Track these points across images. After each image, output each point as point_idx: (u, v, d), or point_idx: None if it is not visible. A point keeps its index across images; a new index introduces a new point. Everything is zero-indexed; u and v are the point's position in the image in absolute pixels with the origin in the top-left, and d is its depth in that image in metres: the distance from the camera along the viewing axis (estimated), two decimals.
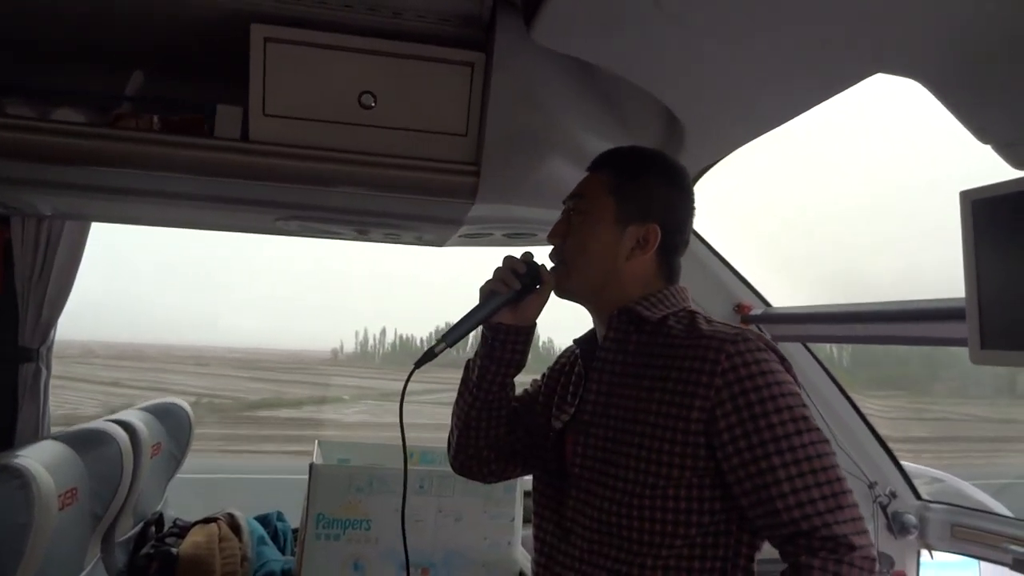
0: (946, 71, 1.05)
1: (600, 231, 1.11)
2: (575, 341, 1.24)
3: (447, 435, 1.28)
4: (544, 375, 1.30)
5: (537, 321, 1.20)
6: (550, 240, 1.17)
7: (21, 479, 1.27)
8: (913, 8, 0.95)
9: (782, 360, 1.02)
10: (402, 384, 1.11)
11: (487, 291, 1.16)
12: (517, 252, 1.18)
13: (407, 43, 1.31)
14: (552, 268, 1.16)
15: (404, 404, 1.12)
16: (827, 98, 1.21)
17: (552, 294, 1.16)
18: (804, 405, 0.98)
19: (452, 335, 1.11)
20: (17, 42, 1.41)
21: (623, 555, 1.01)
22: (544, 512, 1.15)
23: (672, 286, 1.14)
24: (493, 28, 1.28)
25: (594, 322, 1.19)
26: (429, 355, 1.10)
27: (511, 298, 1.14)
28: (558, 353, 1.31)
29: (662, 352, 1.05)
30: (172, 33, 1.34)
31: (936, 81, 1.07)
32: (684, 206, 1.16)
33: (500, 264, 1.16)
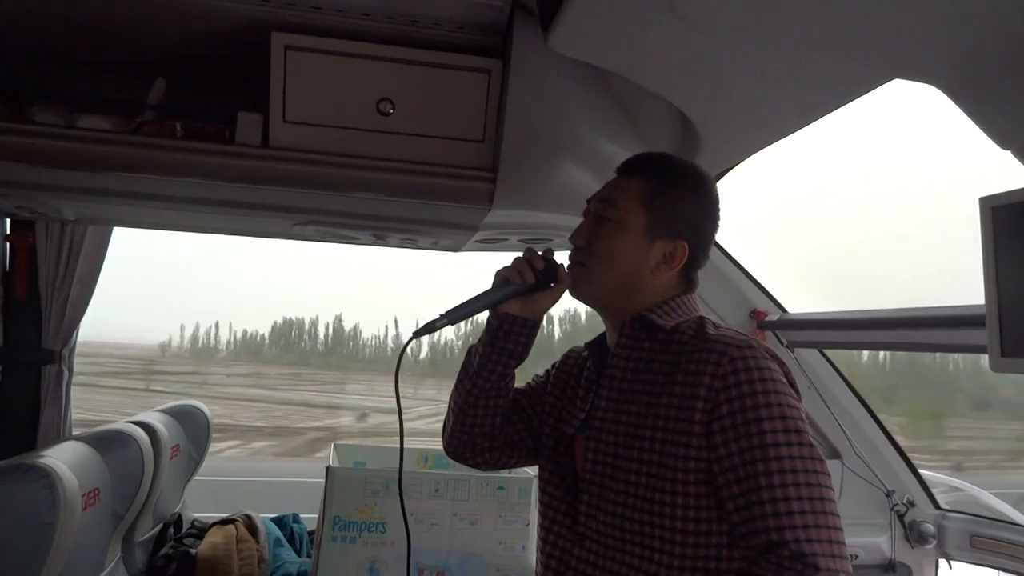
0: (964, 76, 1.05)
1: (629, 243, 1.11)
2: (585, 345, 1.24)
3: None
4: (549, 372, 1.30)
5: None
6: (573, 241, 1.16)
7: (47, 479, 1.29)
8: (930, 13, 0.95)
9: (786, 374, 1.02)
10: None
11: (501, 277, 1.16)
12: None
13: (425, 51, 1.32)
14: (570, 269, 1.16)
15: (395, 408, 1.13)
16: (843, 104, 1.20)
17: (566, 294, 1.17)
18: (802, 419, 0.97)
19: (456, 313, 1.12)
20: (44, 52, 1.44)
21: (639, 561, 1.01)
22: (555, 516, 1.14)
23: (687, 295, 1.15)
24: (510, 35, 1.29)
25: (606, 326, 1.19)
26: (429, 327, 1.11)
27: (522, 290, 1.15)
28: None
29: (672, 359, 1.05)
30: (194, 42, 1.36)
31: (954, 86, 1.07)
32: (712, 222, 1.16)
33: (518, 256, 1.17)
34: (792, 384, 1.02)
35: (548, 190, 1.44)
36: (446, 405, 1.30)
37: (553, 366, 1.31)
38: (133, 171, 1.32)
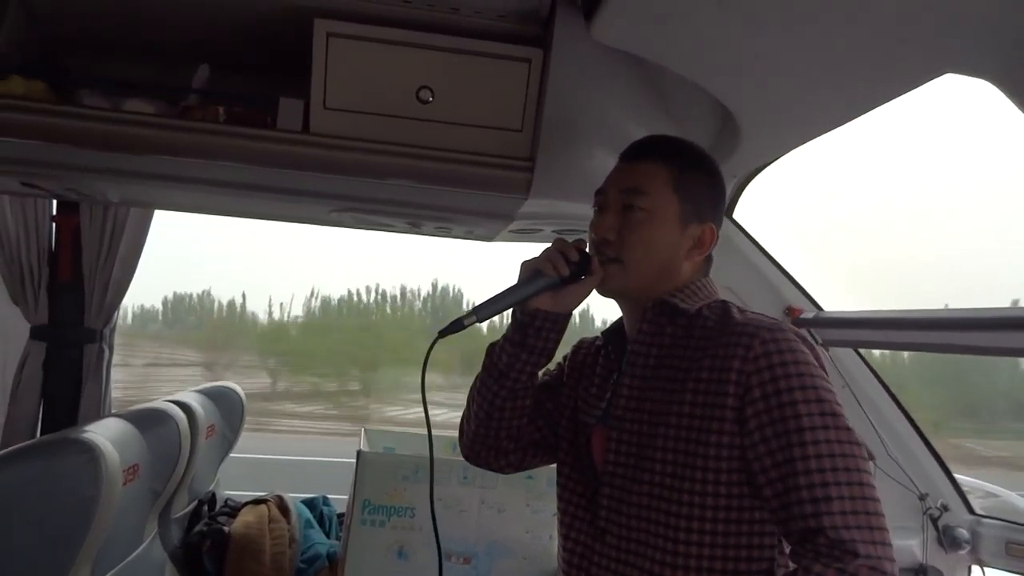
0: (1018, 70, 1.02)
1: (665, 232, 1.08)
2: (602, 333, 1.20)
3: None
4: (562, 365, 1.26)
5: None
6: (602, 234, 1.10)
7: (90, 453, 1.33)
8: (982, 4, 0.92)
9: (816, 358, 0.99)
10: None
11: (531, 270, 1.09)
12: None
13: (465, 39, 1.32)
14: (601, 262, 1.10)
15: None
16: (893, 98, 1.18)
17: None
18: (838, 403, 0.95)
19: (486, 310, 1.06)
20: (91, 39, 1.47)
21: (664, 556, 0.98)
22: (576, 511, 1.11)
23: (705, 278, 1.13)
24: (551, 24, 1.29)
25: (624, 313, 1.15)
26: (457, 326, 1.06)
27: (555, 283, 1.08)
28: None
29: (696, 344, 1.02)
30: (238, 28, 1.38)
31: (1007, 81, 1.04)
32: (724, 203, 1.16)
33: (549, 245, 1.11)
34: (822, 366, 0.99)
35: (585, 181, 1.43)
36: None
37: (565, 358, 1.27)
38: (176, 154, 1.34)
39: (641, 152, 1.12)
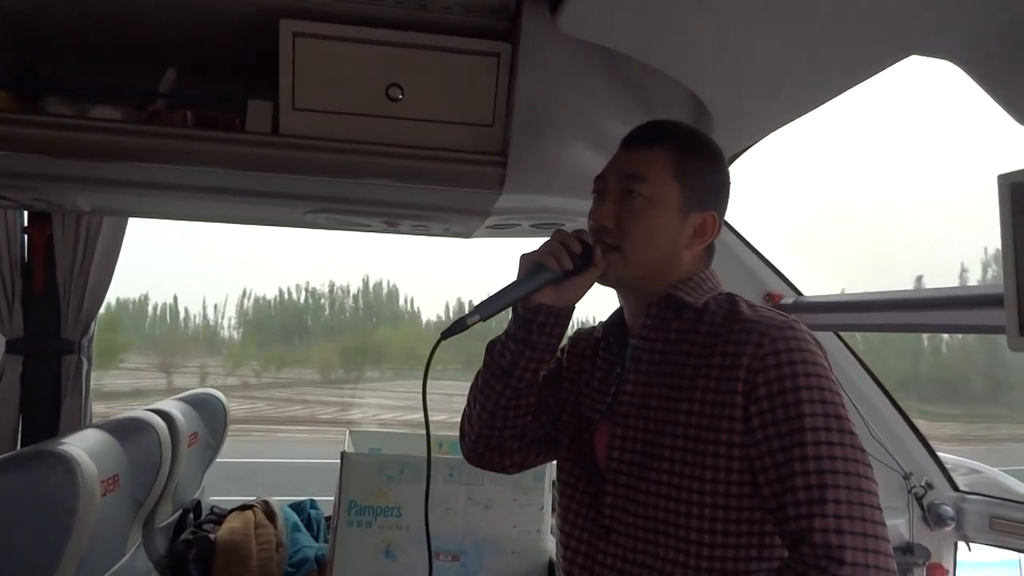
0: (982, 52, 1.03)
1: (666, 220, 1.05)
2: (602, 325, 1.17)
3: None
4: (559, 359, 1.23)
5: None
6: (600, 221, 1.07)
7: (66, 465, 1.31)
8: None
9: (825, 358, 0.97)
10: None
11: (531, 263, 1.05)
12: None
13: (434, 35, 1.31)
14: (602, 252, 1.07)
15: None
16: (860, 81, 1.18)
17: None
18: (843, 406, 0.93)
19: (488, 308, 1.02)
20: (55, 43, 1.45)
21: (671, 554, 0.96)
22: (579, 508, 1.08)
23: (708, 270, 1.11)
24: (519, 18, 1.28)
25: (625, 305, 1.13)
26: (460, 326, 1.01)
27: (558, 277, 1.04)
28: None
29: (704, 339, 1.00)
30: (203, 30, 1.36)
31: (972, 63, 1.05)
32: (728, 191, 1.13)
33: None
34: (830, 369, 0.97)
35: (559, 174, 1.43)
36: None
37: (562, 351, 1.23)
38: (145, 160, 1.32)
39: (642, 138, 1.10)
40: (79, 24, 1.38)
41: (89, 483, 1.33)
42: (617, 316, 1.16)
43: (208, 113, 1.38)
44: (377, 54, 1.31)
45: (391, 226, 1.82)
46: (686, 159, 1.07)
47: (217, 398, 2.37)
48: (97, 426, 1.70)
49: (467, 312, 1.02)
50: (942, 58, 1.07)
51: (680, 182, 1.05)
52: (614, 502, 1.02)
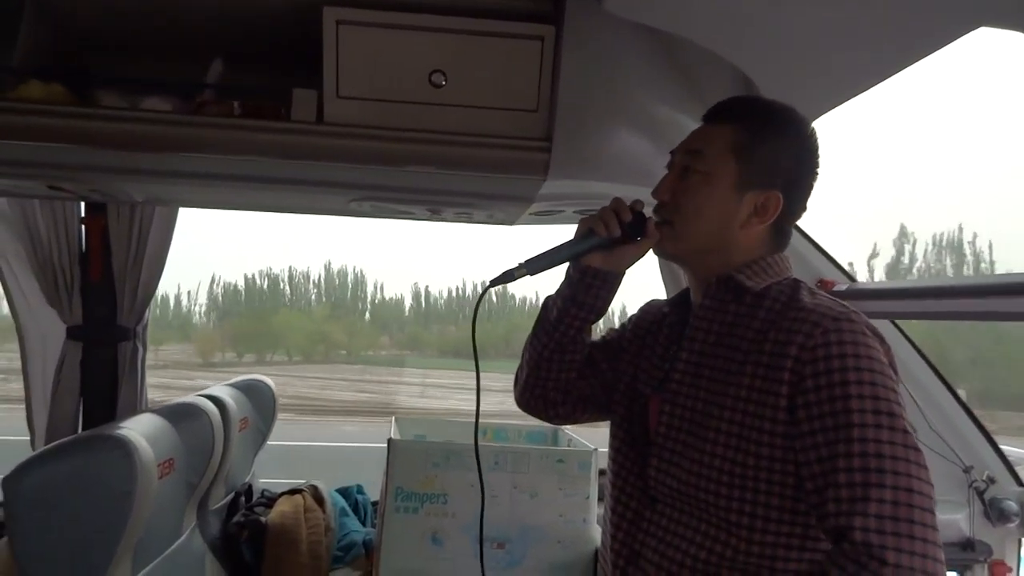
0: None
1: (718, 197, 1.04)
2: (667, 301, 1.19)
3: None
4: (625, 327, 1.25)
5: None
6: (656, 196, 1.10)
7: (124, 448, 1.35)
8: None
9: (886, 353, 0.94)
10: None
11: (585, 228, 1.11)
12: None
13: (476, 19, 1.30)
14: (656, 227, 1.10)
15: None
16: (922, 57, 1.13)
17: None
18: (898, 403, 0.89)
19: (536, 264, 1.08)
20: (106, 38, 1.48)
21: (713, 530, 0.96)
22: (627, 476, 1.10)
23: (777, 254, 1.08)
24: (563, 0, 1.26)
25: (689, 283, 1.14)
26: (507, 276, 1.08)
27: (604, 243, 1.10)
28: None
29: (760, 325, 0.98)
30: (248, 20, 1.38)
31: None
32: (810, 169, 1.08)
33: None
34: (892, 365, 0.94)
35: (604, 159, 1.41)
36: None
37: (630, 320, 1.26)
38: (194, 151, 1.35)
39: (714, 114, 1.10)
40: (129, 19, 1.41)
41: (146, 466, 1.37)
42: (683, 293, 1.17)
43: (254, 103, 1.39)
44: (420, 40, 1.30)
45: (434, 213, 1.82)
46: (751, 134, 1.04)
47: (266, 384, 2.42)
48: (152, 411, 1.75)
49: (515, 265, 1.07)
50: (1011, 28, 1.01)
51: (740, 159, 1.03)
52: (657, 474, 1.03)
